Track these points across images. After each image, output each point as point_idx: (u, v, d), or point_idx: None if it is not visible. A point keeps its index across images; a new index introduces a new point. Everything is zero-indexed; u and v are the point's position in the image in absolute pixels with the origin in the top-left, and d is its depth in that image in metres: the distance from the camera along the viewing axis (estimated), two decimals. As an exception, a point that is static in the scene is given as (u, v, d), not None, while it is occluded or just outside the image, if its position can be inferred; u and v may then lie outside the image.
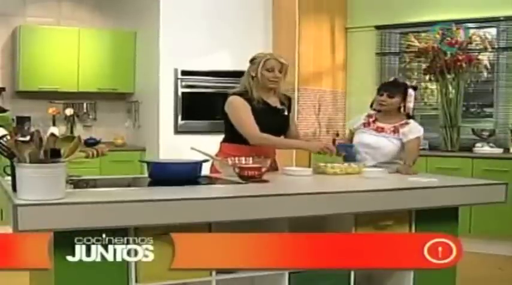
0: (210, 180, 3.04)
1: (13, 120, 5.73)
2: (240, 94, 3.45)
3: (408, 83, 3.96)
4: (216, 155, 3.42)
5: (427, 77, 5.94)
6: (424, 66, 5.88)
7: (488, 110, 6.20)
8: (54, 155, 2.15)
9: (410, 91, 3.75)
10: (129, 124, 6.69)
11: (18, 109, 6.19)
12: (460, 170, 5.28)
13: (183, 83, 5.99)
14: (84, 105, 6.63)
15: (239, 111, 3.39)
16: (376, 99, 3.85)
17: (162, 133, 5.94)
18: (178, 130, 5.94)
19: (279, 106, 3.53)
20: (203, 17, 6.03)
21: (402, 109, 3.76)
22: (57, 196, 2.14)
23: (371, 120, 3.85)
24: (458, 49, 5.48)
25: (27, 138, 2.11)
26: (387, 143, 3.71)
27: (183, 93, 5.99)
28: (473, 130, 5.73)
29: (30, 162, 2.11)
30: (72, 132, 6.43)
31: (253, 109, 3.40)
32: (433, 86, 6.16)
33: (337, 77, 6.54)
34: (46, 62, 6.13)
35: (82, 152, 2.31)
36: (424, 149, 5.88)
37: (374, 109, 3.85)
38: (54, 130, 2.26)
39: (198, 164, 2.93)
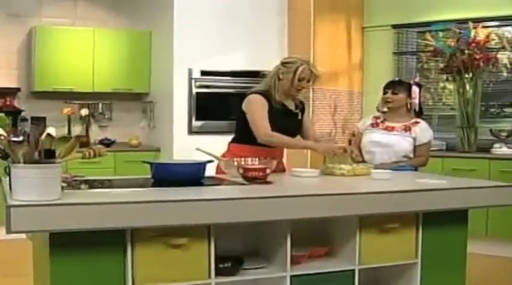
0: (214, 181, 3.00)
1: (22, 119, 5.78)
2: (260, 93, 3.45)
3: (411, 81, 3.94)
4: (224, 155, 3.41)
5: (444, 77, 5.83)
6: (441, 65, 5.76)
7: (508, 110, 6.06)
8: (48, 155, 2.13)
9: (414, 88, 3.81)
10: (144, 124, 6.70)
11: (33, 109, 6.25)
12: (476, 171, 5.16)
13: (197, 83, 5.96)
14: (100, 105, 6.65)
15: (256, 107, 3.38)
16: (380, 101, 3.90)
17: (176, 134, 5.92)
18: (192, 131, 5.92)
19: (294, 109, 3.52)
20: (217, 17, 6.00)
21: (409, 106, 3.79)
22: (52, 197, 2.11)
23: (379, 120, 3.85)
24: (468, 48, 5.35)
25: (21, 138, 2.09)
26: (400, 140, 3.73)
27: (197, 93, 5.97)
28: (491, 130, 5.60)
29: (25, 162, 2.09)
30: (87, 132, 6.47)
31: (272, 109, 3.39)
32: (451, 86, 6.05)
33: (353, 77, 6.45)
34: (61, 62, 6.15)
35: (79, 153, 2.28)
36: (441, 150, 5.79)
37: (381, 111, 3.89)
38: (51, 130, 2.22)
39: (202, 165, 2.89)
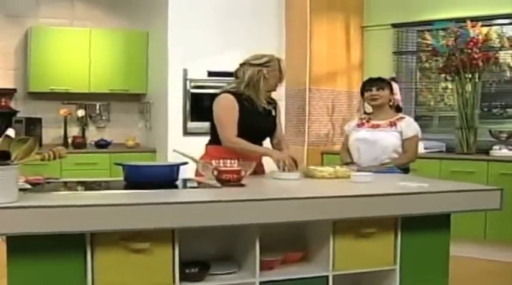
0: (189, 183, 2.93)
1: (17, 121, 5.75)
2: (232, 92, 3.39)
3: (387, 77, 3.94)
4: (202, 157, 3.35)
5: (443, 76, 5.71)
6: (440, 65, 5.63)
7: (511, 111, 5.92)
8: (3, 157, 2.07)
9: (394, 84, 3.80)
10: (142, 125, 6.65)
11: (30, 110, 6.22)
12: (474, 173, 5.04)
13: (193, 84, 5.90)
14: (97, 106, 6.60)
15: (224, 111, 3.35)
16: (362, 102, 3.88)
17: (171, 135, 5.86)
18: (187, 132, 5.85)
19: (267, 107, 3.47)
20: (213, 17, 5.93)
21: (392, 103, 3.77)
22: (7, 199, 2.06)
23: (364, 120, 3.83)
24: (466, 47, 5.23)
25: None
26: (386, 136, 3.69)
27: (192, 94, 5.90)
28: (490, 131, 5.46)
29: (-21, 165, 2.04)
30: (83, 133, 6.43)
31: (244, 108, 3.34)
32: (453, 86, 5.92)
33: (352, 77, 6.34)
34: (57, 63, 6.11)
35: (38, 155, 2.22)
36: (441, 151, 5.68)
37: (363, 112, 3.87)
38: (10, 132, 2.16)
39: (174, 167, 2.83)
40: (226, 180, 2.75)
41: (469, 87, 5.42)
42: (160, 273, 2.31)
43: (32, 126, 6.03)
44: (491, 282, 4.50)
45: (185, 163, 2.93)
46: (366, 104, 3.89)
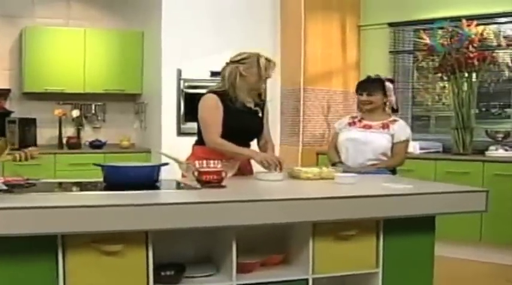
0: (170, 185, 2.89)
1: (10, 121, 5.73)
2: (217, 92, 3.36)
3: (383, 77, 3.80)
4: (188, 158, 3.32)
5: (439, 76, 5.64)
6: (436, 64, 5.57)
7: (509, 110, 5.84)
8: (-29, 158, 2.05)
9: (388, 85, 3.69)
10: (137, 125, 6.62)
11: (25, 110, 6.20)
12: (469, 174, 4.96)
13: (186, 84, 5.86)
14: (93, 106, 6.58)
15: (208, 112, 3.32)
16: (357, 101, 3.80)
17: (165, 135, 5.82)
18: (181, 132, 5.81)
19: (253, 107, 3.41)
20: (208, 17, 5.89)
21: (387, 105, 3.69)
22: (-25, 201, 2.03)
23: (356, 119, 3.77)
24: (461, 46, 5.16)
25: None
26: (377, 137, 3.64)
27: (186, 94, 5.86)
28: (486, 131, 5.39)
29: None
30: (78, 133, 6.40)
31: (228, 107, 3.31)
32: (448, 85, 5.85)
33: (348, 77, 6.26)
34: (52, 63, 6.08)
35: (9, 156, 2.19)
36: (437, 152, 5.62)
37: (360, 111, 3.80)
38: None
39: (155, 168, 2.80)
40: (206, 181, 2.71)
41: (465, 87, 5.35)
42: (133, 276, 2.27)
43: (27, 126, 6.01)
44: (487, 284, 4.44)
45: (166, 164, 2.90)
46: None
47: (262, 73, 3.30)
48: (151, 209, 2.22)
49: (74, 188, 2.80)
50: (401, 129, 3.69)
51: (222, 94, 3.32)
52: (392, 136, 3.65)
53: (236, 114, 3.30)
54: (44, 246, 2.16)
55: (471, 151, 5.30)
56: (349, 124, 3.81)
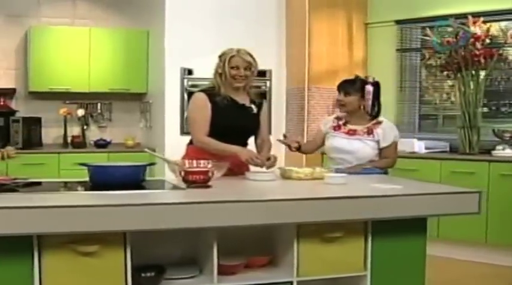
0: (156, 185, 2.85)
1: (15, 121, 5.74)
2: (207, 90, 3.35)
3: (371, 79, 3.65)
4: (183, 157, 3.29)
5: (445, 74, 5.53)
6: (443, 62, 5.46)
7: (518, 109, 5.72)
8: None
9: (368, 88, 3.55)
10: (143, 125, 6.61)
11: (30, 110, 6.22)
12: (475, 174, 4.86)
13: (190, 83, 5.83)
14: (99, 105, 6.58)
15: (194, 111, 3.33)
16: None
17: (168, 134, 5.80)
18: (184, 131, 5.78)
19: (247, 104, 3.36)
20: (213, 16, 5.86)
21: (362, 108, 3.55)
22: None
23: (341, 122, 3.65)
24: (467, 43, 5.05)
25: None
26: (362, 146, 3.51)
27: (190, 93, 5.82)
28: (493, 131, 5.27)
29: None
30: (83, 132, 6.41)
31: (218, 106, 3.28)
32: (455, 84, 5.74)
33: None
34: (57, 62, 6.11)
35: (-14, 155, 2.17)
36: (444, 151, 5.52)
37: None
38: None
39: (139, 168, 2.76)
40: (192, 181, 2.67)
41: (471, 85, 5.24)
42: (111, 277, 2.23)
43: (32, 125, 6.04)
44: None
45: (153, 164, 2.87)
46: None
47: (226, 70, 3.27)
48: (129, 209, 2.17)
49: (61, 189, 2.78)
50: (386, 132, 3.54)
51: (212, 93, 3.29)
52: (377, 142, 3.53)
53: (225, 112, 3.28)
54: (20, 247, 2.13)
55: (478, 151, 5.19)
56: (334, 128, 3.66)
